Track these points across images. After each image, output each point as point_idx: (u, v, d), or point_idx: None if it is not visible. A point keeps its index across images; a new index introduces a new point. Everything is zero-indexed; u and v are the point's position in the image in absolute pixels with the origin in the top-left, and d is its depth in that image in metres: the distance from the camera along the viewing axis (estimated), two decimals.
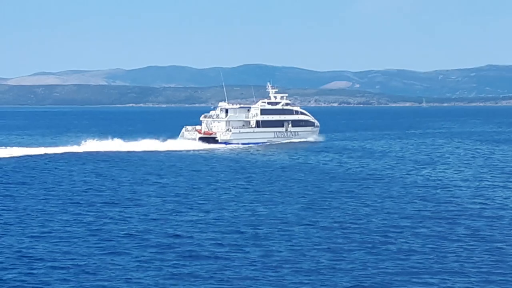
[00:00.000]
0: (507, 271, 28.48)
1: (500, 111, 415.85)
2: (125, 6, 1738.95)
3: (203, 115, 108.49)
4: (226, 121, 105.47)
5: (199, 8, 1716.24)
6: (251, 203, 45.46)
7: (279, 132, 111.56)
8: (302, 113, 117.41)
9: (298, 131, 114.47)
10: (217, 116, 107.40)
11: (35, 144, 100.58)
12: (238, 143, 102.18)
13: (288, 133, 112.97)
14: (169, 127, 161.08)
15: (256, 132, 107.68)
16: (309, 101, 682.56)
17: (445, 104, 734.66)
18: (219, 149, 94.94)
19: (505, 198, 47.88)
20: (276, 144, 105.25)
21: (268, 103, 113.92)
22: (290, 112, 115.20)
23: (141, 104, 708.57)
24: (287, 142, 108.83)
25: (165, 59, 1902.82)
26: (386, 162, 75.56)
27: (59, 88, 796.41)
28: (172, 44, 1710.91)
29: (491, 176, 61.32)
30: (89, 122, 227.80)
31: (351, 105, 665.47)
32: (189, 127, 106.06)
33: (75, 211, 41.99)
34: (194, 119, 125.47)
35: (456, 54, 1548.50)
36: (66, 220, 38.92)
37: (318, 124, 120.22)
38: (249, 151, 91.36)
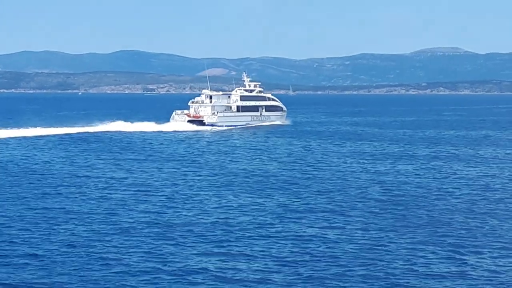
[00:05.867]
0: None
1: (363, 100, 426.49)
2: None
3: (191, 101, 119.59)
4: (212, 106, 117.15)
5: None
6: None
7: (255, 116, 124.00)
8: (273, 99, 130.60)
9: (270, 115, 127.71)
10: (203, 102, 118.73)
11: None
12: (222, 125, 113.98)
13: (262, 117, 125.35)
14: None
15: (237, 116, 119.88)
16: (184, 88, 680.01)
17: (319, 92, 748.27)
18: (206, 130, 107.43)
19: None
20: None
21: (245, 90, 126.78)
22: (264, 98, 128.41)
23: (13, 90, 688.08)
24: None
25: (39, 44, 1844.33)
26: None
27: None
28: (46, 28, 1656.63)
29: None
30: None
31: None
32: (179, 111, 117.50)
33: None
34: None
35: (331, 43, 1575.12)
36: None
37: (286, 109, 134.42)
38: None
